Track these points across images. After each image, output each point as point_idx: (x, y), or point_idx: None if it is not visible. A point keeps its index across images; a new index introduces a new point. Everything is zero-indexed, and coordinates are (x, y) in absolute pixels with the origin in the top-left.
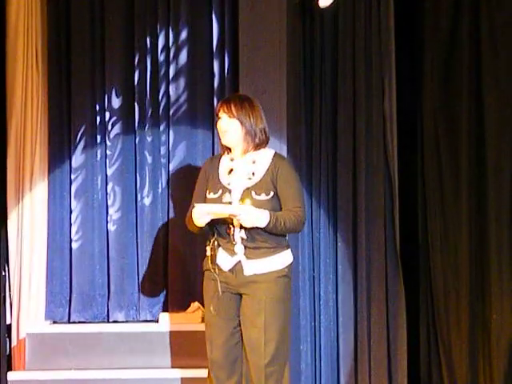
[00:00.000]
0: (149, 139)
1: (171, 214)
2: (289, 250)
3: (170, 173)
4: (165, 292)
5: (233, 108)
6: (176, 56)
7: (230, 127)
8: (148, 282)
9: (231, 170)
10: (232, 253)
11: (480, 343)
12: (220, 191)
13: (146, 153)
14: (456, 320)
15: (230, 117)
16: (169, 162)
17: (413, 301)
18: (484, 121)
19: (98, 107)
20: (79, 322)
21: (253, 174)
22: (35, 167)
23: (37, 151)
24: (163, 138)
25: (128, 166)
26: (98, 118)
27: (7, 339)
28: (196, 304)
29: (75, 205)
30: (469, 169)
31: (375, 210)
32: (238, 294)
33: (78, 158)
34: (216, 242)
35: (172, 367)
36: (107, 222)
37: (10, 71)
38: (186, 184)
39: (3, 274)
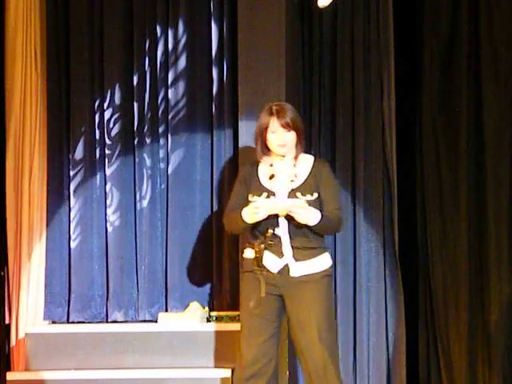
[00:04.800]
0: (147, 141)
1: (170, 215)
2: (328, 253)
3: (169, 175)
4: (164, 292)
5: (291, 122)
6: (175, 60)
7: (289, 140)
8: (147, 282)
9: (272, 175)
10: (280, 255)
11: (479, 343)
12: (265, 194)
13: (145, 155)
14: (455, 320)
15: (288, 130)
16: (167, 165)
17: (412, 301)
18: (484, 121)
19: (97, 108)
20: (78, 322)
21: (295, 176)
22: (34, 167)
23: (35, 151)
24: (162, 141)
25: (127, 167)
26: (97, 119)
27: (6, 339)
28: (195, 304)
29: (74, 204)
30: (468, 169)
31: (374, 211)
32: (280, 296)
33: (76, 158)
34: (263, 245)
35: (171, 367)
36: (106, 222)
37: (8, 71)
38: (185, 186)
39: (2, 274)
